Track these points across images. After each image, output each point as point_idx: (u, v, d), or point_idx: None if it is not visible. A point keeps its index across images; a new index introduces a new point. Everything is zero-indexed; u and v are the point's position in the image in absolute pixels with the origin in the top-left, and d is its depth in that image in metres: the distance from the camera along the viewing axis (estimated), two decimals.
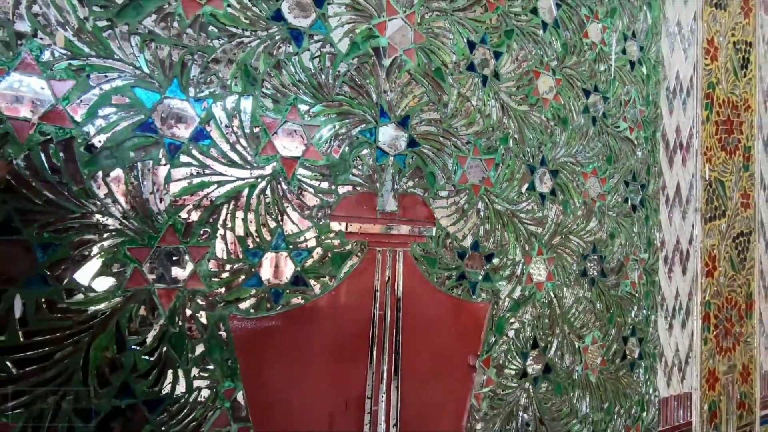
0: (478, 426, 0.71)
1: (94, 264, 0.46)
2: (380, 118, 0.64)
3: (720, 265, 1.15)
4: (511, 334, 0.76)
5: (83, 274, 0.45)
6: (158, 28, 0.50)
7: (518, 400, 0.76)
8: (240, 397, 0.53)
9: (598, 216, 0.89)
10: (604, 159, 0.90)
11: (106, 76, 0.47)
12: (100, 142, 0.46)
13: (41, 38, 0.44)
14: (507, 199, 0.76)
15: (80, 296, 0.45)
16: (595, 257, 0.88)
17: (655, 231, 1.00)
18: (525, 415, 0.77)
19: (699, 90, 1.12)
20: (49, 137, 0.44)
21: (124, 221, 0.47)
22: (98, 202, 0.46)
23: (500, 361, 0.74)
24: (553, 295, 0.81)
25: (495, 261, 0.74)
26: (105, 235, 0.46)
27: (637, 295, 0.95)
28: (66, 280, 0.44)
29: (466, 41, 0.72)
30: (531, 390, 0.78)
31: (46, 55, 0.44)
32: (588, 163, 0.88)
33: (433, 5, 0.69)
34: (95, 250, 0.46)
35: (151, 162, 0.49)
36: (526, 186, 0.78)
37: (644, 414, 0.96)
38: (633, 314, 0.95)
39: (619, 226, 0.92)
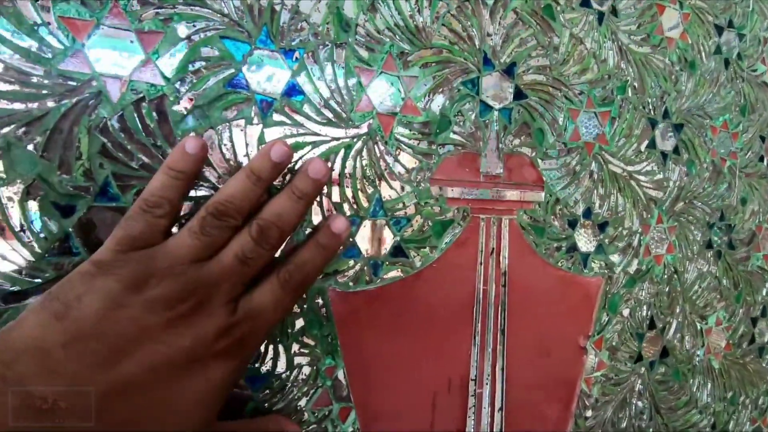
0: (588, 413, 0.64)
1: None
2: (483, 66, 0.55)
3: None
4: (626, 312, 0.67)
5: None
6: None
7: (633, 387, 0.68)
8: (341, 375, 0.49)
9: (728, 178, 0.75)
10: (737, 110, 0.76)
11: (194, 26, 0.42)
12: (191, 99, 0.42)
13: None
14: (624, 158, 0.65)
15: None
16: (723, 226, 0.76)
17: None
18: (639, 403, 0.68)
19: None
20: (141, 95, 0.41)
21: (219, 186, 0.43)
22: None
23: (613, 343, 0.66)
24: (673, 270, 0.71)
25: (609, 230, 0.65)
26: (201, 202, 0.43)
27: None
28: None
29: None
30: (647, 375, 0.69)
31: (134, 4, 0.40)
32: (718, 115, 0.74)
33: None
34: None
35: (243, 121, 0.44)
36: (645, 143, 0.67)
37: None
38: (765, 292, 0.81)
39: (751, 190, 0.78)
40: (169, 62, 0.42)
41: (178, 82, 0.42)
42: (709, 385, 0.75)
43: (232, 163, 0.44)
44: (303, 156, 0.47)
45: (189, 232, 0.35)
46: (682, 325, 0.72)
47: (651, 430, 0.69)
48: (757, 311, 0.81)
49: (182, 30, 0.42)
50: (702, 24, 0.72)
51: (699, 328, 0.74)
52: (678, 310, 0.72)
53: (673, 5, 0.69)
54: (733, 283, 0.77)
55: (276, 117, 0.46)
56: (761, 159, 0.80)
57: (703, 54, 0.72)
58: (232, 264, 0.34)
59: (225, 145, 0.44)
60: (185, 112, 0.42)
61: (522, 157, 0.58)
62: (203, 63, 0.43)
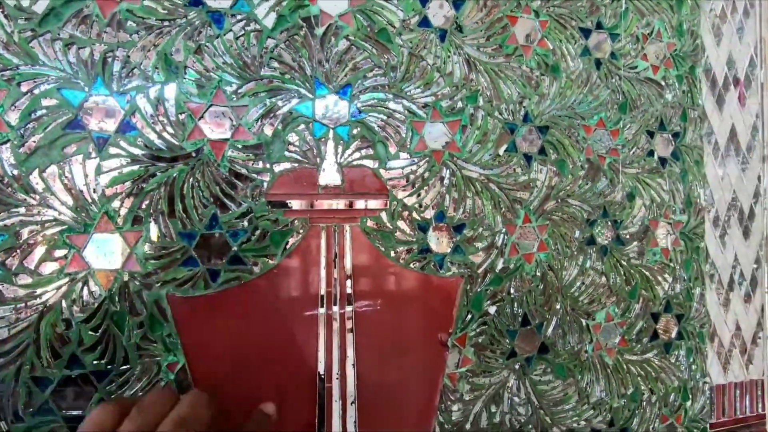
0: (455, 407, 0.67)
1: (39, 251, 0.52)
2: (316, 90, 0.62)
3: None
4: (492, 310, 0.69)
5: (30, 261, 0.51)
6: (78, 32, 0.53)
7: (505, 382, 0.70)
8: (184, 369, 0.56)
9: (609, 174, 0.77)
10: (614, 107, 0.77)
11: (34, 82, 0.52)
12: (34, 142, 0.52)
13: None
14: (480, 163, 0.69)
15: (28, 280, 0.51)
16: (606, 222, 0.76)
17: (698, 188, 0.83)
18: (516, 398, 0.70)
19: (765, 8, 0.89)
20: None
21: (62, 212, 0.52)
22: (38, 196, 0.52)
23: (479, 340, 0.68)
24: (547, 267, 0.72)
25: (467, 232, 0.68)
26: (46, 224, 0.52)
27: (671, 264, 0.81)
28: (15, 266, 0.51)
29: None
30: (523, 371, 0.71)
31: None
32: (591, 114, 0.76)
33: None
34: (39, 238, 0.52)
35: (82, 156, 0.53)
36: (504, 147, 0.70)
37: (689, 403, 0.82)
38: (667, 287, 0.81)
39: (640, 185, 0.79)
40: (14, 113, 0.51)
41: (22, 129, 0.51)
42: (603, 381, 0.76)
43: (73, 192, 0.53)
44: (137, 182, 0.55)
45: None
46: (562, 321, 0.73)
47: (530, 425, 0.71)
48: (658, 306, 0.80)
49: (24, 86, 0.52)
50: (564, 29, 0.74)
51: (585, 324, 0.75)
52: (558, 307, 0.73)
53: (527, 15, 0.72)
54: (625, 278, 0.78)
55: (112, 150, 0.54)
56: (651, 154, 0.80)
57: (567, 57, 0.74)
58: None
59: (66, 176, 0.53)
60: (29, 153, 0.52)
61: (363, 168, 0.64)
62: (44, 111, 0.52)
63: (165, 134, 0.56)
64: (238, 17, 0.59)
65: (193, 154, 0.57)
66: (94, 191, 0.54)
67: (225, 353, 0.58)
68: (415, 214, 0.65)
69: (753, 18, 0.89)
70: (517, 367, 0.70)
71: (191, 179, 0.57)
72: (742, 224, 0.87)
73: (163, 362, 0.55)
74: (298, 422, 0.60)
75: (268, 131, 0.60)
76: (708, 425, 0.83)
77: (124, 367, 0.54)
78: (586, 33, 0.76)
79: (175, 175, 0.56)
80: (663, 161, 0.81)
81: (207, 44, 0.57)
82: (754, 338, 0.87)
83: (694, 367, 0.82)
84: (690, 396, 0.82)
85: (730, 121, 0.86)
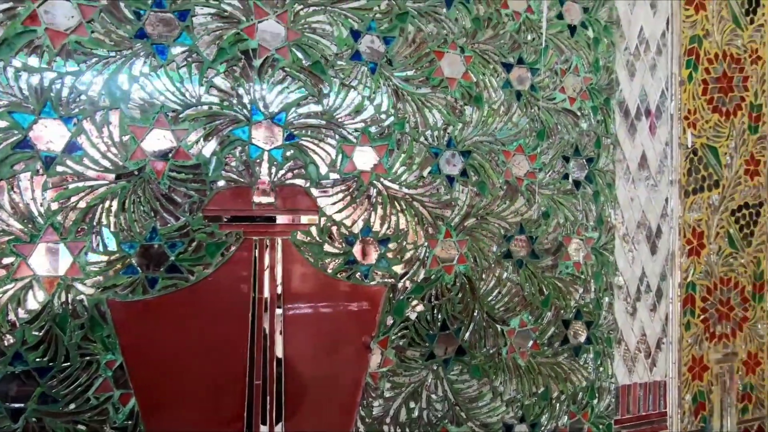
0: (376, 403, 0.74)
1: None
2: (253, 116, 0.68)
3: (712, 243, 1.03)
4: (413, 316, 0.77)
5: None
6: (29, 60, 0.59)
7: (424, 381, 0.77)
8: (121, 367, 0.62)
9: (526, 195, 0.85)
10: (533, 135, 0.86)
11: None
12: None
13: None
14: (405, 183, 0.77)
15: None
16: (523, 238, 0.85)
17: (609, 208, 0.93)
18: (433, 396, 0.78)
19: (675, 47, 0.99)
20: None
21: (10, 223, 0.58)
22: None
23: (400, 343, 0.76)
24: (466, 279, 0.80)
25: (391, 245, 0.76)
26: None
27: (583, 276, 0.90)
28: None
29: (349, 31, 0.73)
30: (441, 371, 0.79)
31: None
32: (511, 140, 0.84)
33: (309, 1, 0.71)
34: None
35: (30, 173, 0.59)
36: (429, 169, 0.78)
37: (596, 401, 0.91)
38: (578, 297, 0.90)
39: (555, 205, 0.87)
40: None
41: None
42: (515, 381, 0.84)
43: (21, 205, 0.58)
44: (83, 197, 0.61)
45: None
46: (479, 327, 0.81)
47: (446, 420, 0.78)
48: (569, 314, 0.89)
49: None
50: (487, 64, 0.82)
51: (500, 329, 0.83)
52: (476, 314, 0.81)
53: (453, 51, 0.80)
54: (539, 289, 0.86)
55: (59, 168, 0.60)
56: (566, 177, 0.89)
57: (490, 89, 0.83)
58: None
59: (14, 191, 0.58)
60: None
61: (295, 187, 0.70)
62: None
63: (109, 154, 0.62)
64: (181, 49, 0.65)
65: (136, 173, 0.63)
66: (41, 205, 0.59)
67: (161, 353, 0.64)
68: (343, 229, 0.73)
69: (665, 55, 0.99)
70: (435, 367, 0.78)
71: (133, 195, 0.63)
72: (649, 241, 0.96)
73: (102, 360, 0.61)
74: (229, 416, 0.67)
75: (207, 153, 0.66)
76: (613, 422, 0.92)
77: (66, 364, 0.60)
78: (508, 67, 0.84)
79: (117, 191, 0.62)
80: (577, 184, 0.90)
81: (151, 73, 0.63)
82: (658, 343, 0.97)
83: (601, 369, 0.92)
84: (597, 395, 0.91)
85: (641, 148, 0.96)
